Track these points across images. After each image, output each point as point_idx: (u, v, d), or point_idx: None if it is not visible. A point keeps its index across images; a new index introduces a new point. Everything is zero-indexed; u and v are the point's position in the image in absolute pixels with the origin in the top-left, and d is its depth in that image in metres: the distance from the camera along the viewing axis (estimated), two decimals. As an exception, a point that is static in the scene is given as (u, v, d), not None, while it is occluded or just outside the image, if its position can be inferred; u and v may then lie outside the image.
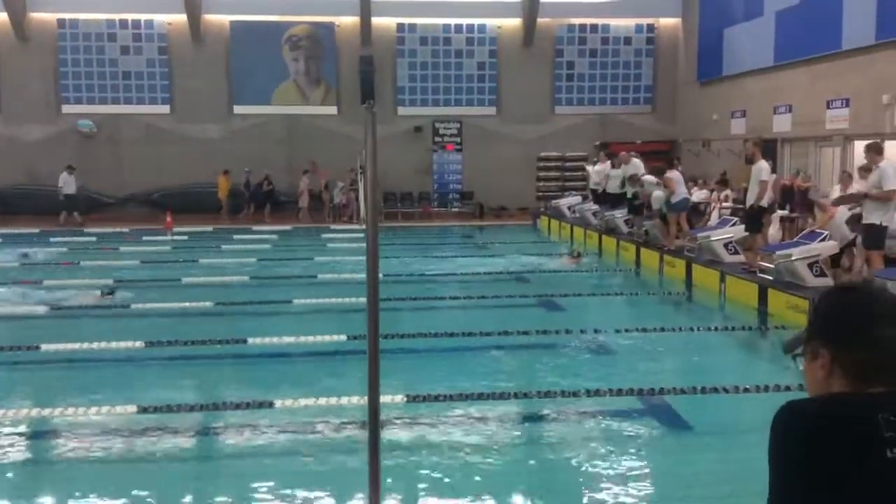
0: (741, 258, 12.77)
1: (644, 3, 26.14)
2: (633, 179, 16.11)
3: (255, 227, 22.27)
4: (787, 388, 6.76)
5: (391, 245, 17.65)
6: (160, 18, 25.44)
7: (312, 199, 24.54)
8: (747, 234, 12.65)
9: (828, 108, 17.63)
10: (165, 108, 25.76)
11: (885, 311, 1.58)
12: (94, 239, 19.94)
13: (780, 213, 14.93)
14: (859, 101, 16.60)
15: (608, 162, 18.81)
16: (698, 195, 17.21)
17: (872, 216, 9.71)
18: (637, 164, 16.46)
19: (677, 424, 6.58)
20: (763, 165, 11.95)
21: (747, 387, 7.02)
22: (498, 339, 9.26)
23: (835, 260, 11.25)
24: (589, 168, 20.81)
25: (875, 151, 9.96)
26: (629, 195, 16.61)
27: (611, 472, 5.61)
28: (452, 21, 26.21)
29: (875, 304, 1.60)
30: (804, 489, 1.47)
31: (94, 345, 8.79)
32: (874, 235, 9.79)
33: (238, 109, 25.88)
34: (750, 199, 12.17)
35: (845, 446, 1.45)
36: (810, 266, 10.83)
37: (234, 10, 25.43)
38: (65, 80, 25.34)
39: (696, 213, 16.68)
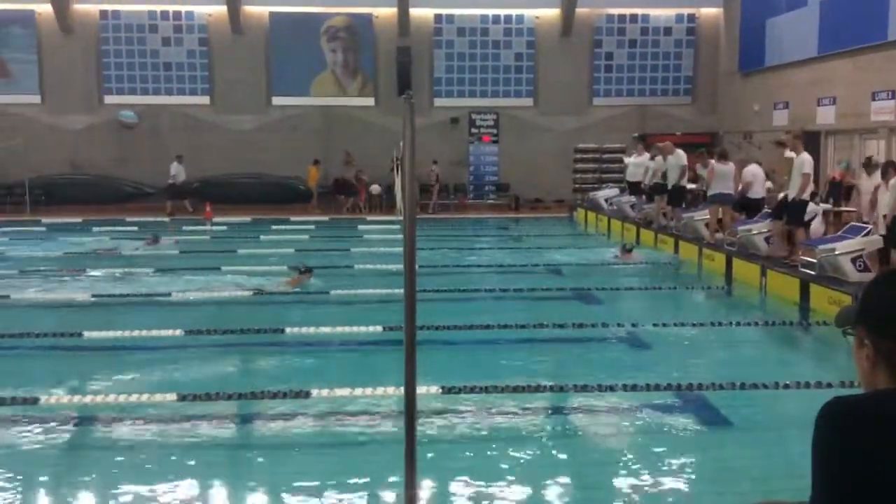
0: (781, 252, 12.59)
1: (685, -8, 25.80)
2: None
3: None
4: (829, 385, 6.66)
5: (427, 237, 17.68)
6: (201, 10, 25.69)
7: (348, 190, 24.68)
8: (789, 226, 12.41)
9: (873, 99, 17.27)
10: (205, 99, 26.04)
11: None
12: (135, 228, 20.24)
13: (822, 206, 14.63)
14: (906, 93, 16.23)
15: (646, 154, 18.62)
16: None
17: None
18: (680, 155, 16.24)
19: (716, 420, 6.50)
20: (806, 158, 11.77)
21: (787, 383, 6.92)
22: (533, 331, 9.24)
23: (883, 255, 10.99)
24: (626, 160, 20.62)
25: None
26: (670, 186, 16.42)
27: (646, 467, 5.57)
28: (490, 12, 26.10)
29: None
30: (848, 487, 1.44)
31: (136, 332, 8.94)
32: None
33: (276, 101, 26.06)
34: (791, 192, 11.98)
35: (891, 444, 1.42)
36: (853, 261, 10.63)
37: (274, 1, 25.60)
38: (107, 71, 25.72)
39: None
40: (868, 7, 17.39)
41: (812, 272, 11.10)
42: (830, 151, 19.37)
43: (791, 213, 12.13)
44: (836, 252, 10.78)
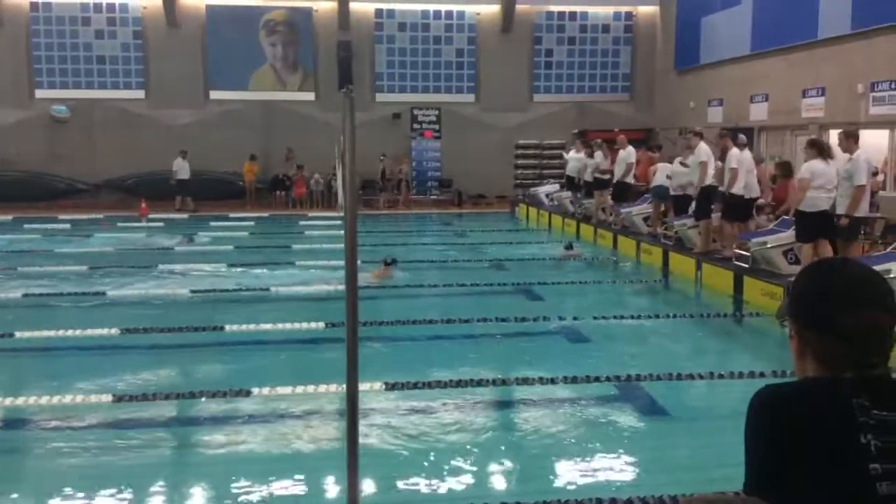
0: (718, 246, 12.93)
1: (622, -10, 26.18)
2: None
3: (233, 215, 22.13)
4: (762, 375, 6.84)
5: (370, 233, 17.63)
6: (135, 2, 25.12)
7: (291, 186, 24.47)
8: (728, 221, 12.64)
9: (803, 96, 17.77)
10: (140, 93, 25.47)
11: (850, 297, 1.53)
12: (67, 226, 19.71)
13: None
14: (834, 91, 16.74)
15: (584, 151, 18.83)
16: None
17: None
18: (630, 151, 16.44)
19: (653, 410, 6.63)
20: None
21: (722, 373, 7.09)
22: (477, 326, 9.28)
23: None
24: (566, 156, 20.87)
25: (853, 139, 10.03)
26: (615, 181, 16.64)
27: (587, 457, 5.65)
28: (431, 7, 26.09)
29: (840, 288, 1.55)
30: (779, 472, 1.48)
31: (70, 332, 8.72)
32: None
33: (214, 95, 25.63)
34: (701, 183, 12.40)
35: (821, 430, 1.46)
36: (785, 254, 10.94)
37: (211, -6, 25.15)
38: (38, 65, 24.97)
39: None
40: (799, 6, 17.89)
41: (745, 265, 11.39)
42: (763, 147, 19.87)
43: (732, 208, 12.27)
44: (769, 245, 11.08)
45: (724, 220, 12.47)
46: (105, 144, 24.82)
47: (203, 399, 6.73)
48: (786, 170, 12.79)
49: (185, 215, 21.72)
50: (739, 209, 12.10)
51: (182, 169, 23.33)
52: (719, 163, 12.34)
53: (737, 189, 11.87)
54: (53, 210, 22.26)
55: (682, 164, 13.67)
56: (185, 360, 8.37)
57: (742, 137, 13.31)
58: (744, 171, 11.87)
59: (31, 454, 5.95)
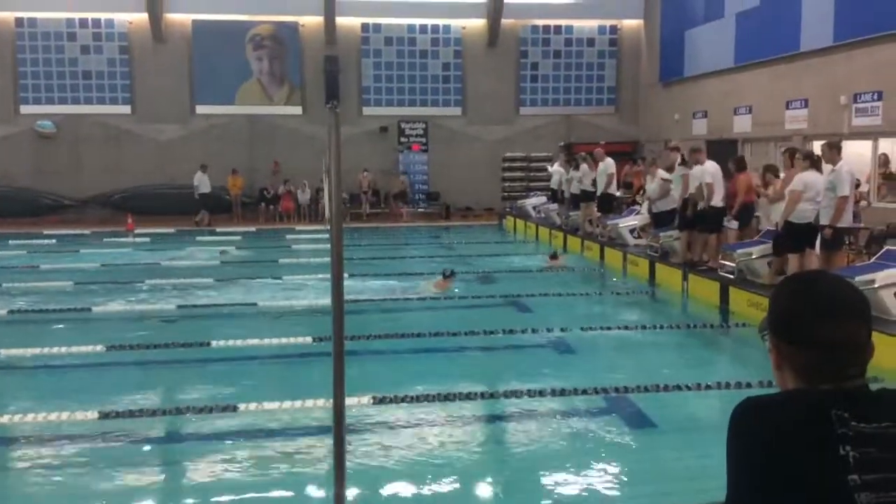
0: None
1: (606, 4, 26.35)
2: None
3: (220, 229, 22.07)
4: (748, 385, 6.87)
5: (357, 246, 17.62)
6: (121, 17, 25.10)
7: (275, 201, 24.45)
8: (703, 233, 12.75)
9: (787, 108, 17.92)
10: (126, 109, 25.41)
11: (826, 309, 1.53)
12: (53, 242, 19.61)
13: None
14: (817, 102, 16.89)
15: (563, 164, 18.90)
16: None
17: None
18: (609, 163, 16.54)
19: (641, 422, 6.64)
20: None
21: (709, 384, 7.11)
22: (465, 339, 9.28)
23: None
24: (550, 168, 21.00)
25: (836, 150, 10.13)
26: (598, 193, 16.75)
27: (576, 469, 5.65)
28: (417, 21, 26.20)
29: (816, 300, 1.55)
30: (760, 483, 1.49)
31: (55, 349, 8.66)
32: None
33: (200, 109, 25.61)
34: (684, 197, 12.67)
35: (801, 442, 1.47)
36: (770, 264, 11.00)
37: (197, 8, 25.15)
38: (23, 80, 24.89)
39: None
40: (781, 19, 18.06)
41: (731, 276, 11.45)
42: (748, 159, 19.97)
43: (705, 220, 12.43)
44: (754, 256, 11.15)
45: (700, 231, 12.60)
46: (91, 160, 24.73)
47: (189, 415, 6.70)
48: (740, 164, 12.85)
49: (171, 229, 21.62)
50: (714, 219, 12.31)
51: (203, 183, 23.31)
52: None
53: (716, 201, 12.10)
54: (39, 226, 22.14)
55: (663, 179, 13.83)
56: (171, 376, 8.33)
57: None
58: (718, 182, 12.14)
59: (16, 471, 5.90)
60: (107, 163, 24.53)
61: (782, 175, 11.47)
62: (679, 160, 13.30)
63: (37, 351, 8.67)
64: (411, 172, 26.58)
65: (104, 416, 6.50)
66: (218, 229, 21.91)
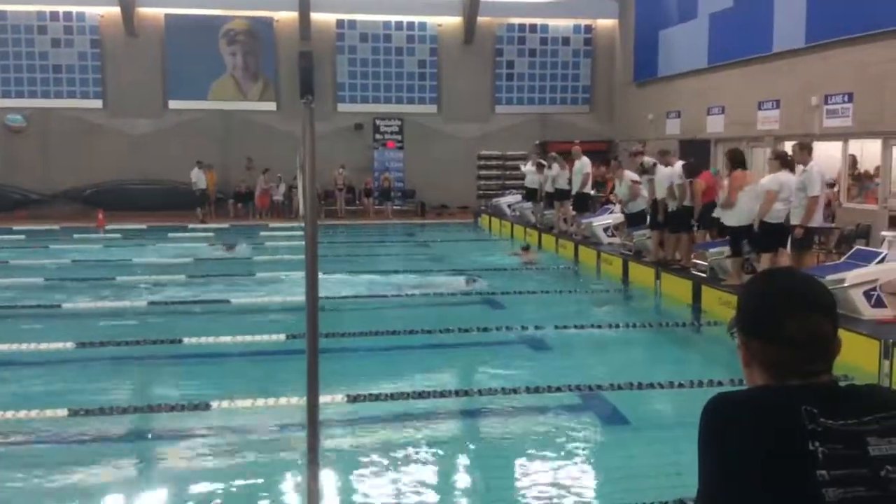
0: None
1: (581, 3, 26.48)
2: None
3: (193, 225, 21.88)
4: (720, 383, 6.93)
5: (332, 243, 17.56)
6: (92, 11, 24.80)
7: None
8: (674, 233, 12.84)
9: (759, 109, 18.11)
10: (98, 103, 25.12)
11: (792, 305, 1.56)
12: (22, 237, 19.34)
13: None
14: (789, 103, 17.08)
15: (535, 165, 18.92)
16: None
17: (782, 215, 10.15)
18: (585, 162, 16.59)
19: (614, 419, 6.68)
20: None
21: (682, 382, 7.17)
22: (440, 336, 9.28)
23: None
24: (523, 167, 21.07)
25: (807, 151, 10.24)
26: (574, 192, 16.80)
27: (549, 466, 5.67)
28: (393, 18, 26.15)
29: (782, 296, 1.58)
30: (731, 478, 1.50)
31: (24, 346, 8.55)
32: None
33: (173, 104, 25.38)
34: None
35: (770, 437, 1.49)
36: (742, 264, 11.09)
37: (170, 3, 24.95)
38: (-8, 73, 24.53)
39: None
40: (754, 20, 18.24)
41: (703, 274, 11.55)
42: (721, 159, 20.18)
43: (674, 221, 12.54)
44: (726, 255, 11.24)
45: (670, 232, 12.69)
46: (61, 154, 24.42)
47: (161, 412, 6.63)
48: (737, 161, 12.90)
49: (143, 225, 21.39)
50: (683, 219, 12.41)
51: (200, 179, 23.12)
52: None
53: (688, 201, 12.19)
54: (8, 221, 21.82)
55: (633, 181, 13.93)
56: (142, 373, 8.25)
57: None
58: (686, 183, 12.27)
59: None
60: (78, 157, 24.24)
61: (725, 182, 11.34)
62: (640, 168, 13.40)
63: (5, 347, 8.55)
64: (387, 170, 26.52)
65: (74, 413, 6.42)
66: (190, 225, 21.73)
